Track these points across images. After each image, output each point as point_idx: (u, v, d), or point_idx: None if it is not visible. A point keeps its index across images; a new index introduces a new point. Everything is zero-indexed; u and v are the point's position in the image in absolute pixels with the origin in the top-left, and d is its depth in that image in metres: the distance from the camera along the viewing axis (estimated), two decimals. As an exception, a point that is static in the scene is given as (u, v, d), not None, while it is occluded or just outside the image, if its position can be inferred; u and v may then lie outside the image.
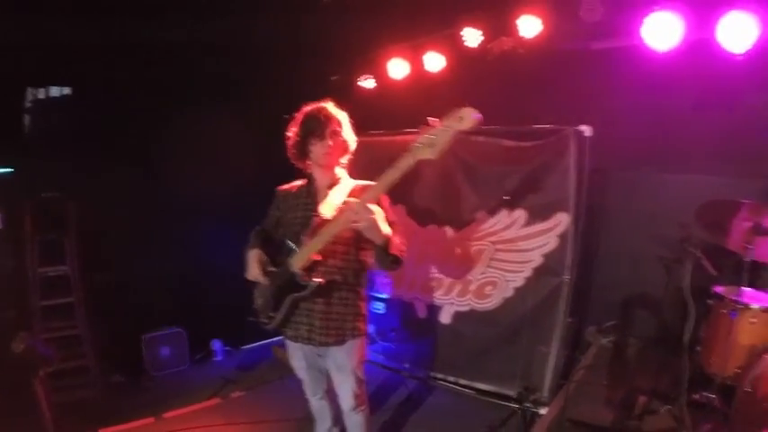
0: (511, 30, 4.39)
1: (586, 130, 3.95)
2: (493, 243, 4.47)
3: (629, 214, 4.64)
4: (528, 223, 4.26)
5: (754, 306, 3.29)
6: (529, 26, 4.29)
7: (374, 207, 2.29)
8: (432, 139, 2.08)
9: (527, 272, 4.26)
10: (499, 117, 4.22)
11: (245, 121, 5.09)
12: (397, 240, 2.42)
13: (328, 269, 2.53)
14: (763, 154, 4.02)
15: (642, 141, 4.47)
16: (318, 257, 2.48)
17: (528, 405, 3.97)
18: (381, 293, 5.26)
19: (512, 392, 4.15)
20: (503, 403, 4.15)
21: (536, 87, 4.68)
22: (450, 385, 4.54)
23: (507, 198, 4.34)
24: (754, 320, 3.24)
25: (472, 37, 4.62)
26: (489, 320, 4.44)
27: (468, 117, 2.03)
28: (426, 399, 4.40)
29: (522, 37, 4.35)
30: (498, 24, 4.49)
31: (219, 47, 4.56)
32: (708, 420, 3.33)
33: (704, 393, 3.42)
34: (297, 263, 2.47)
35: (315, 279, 2.46)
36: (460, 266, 4.62)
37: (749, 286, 3.47)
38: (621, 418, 3.61)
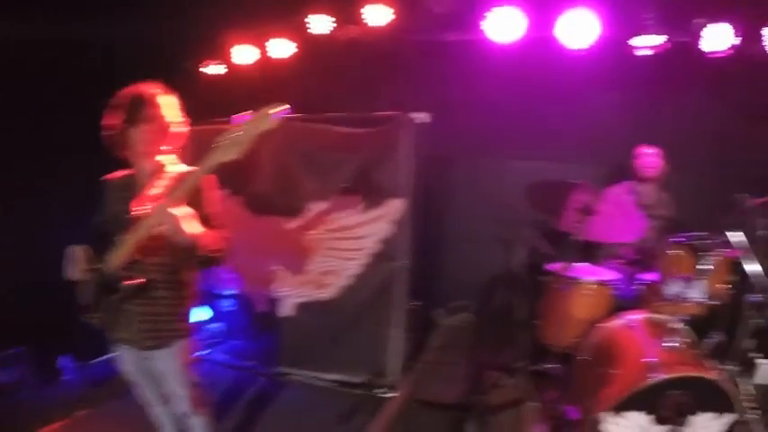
0: (358, 18, 4.37)
1: (419, 117, 3.98)
2: (330, 231, 4.41)
3: (475, 199, 4.86)
4: (364, 210, 4.24)
5: (586, 280, 3.53)
6: (378, 15, 4.30)
7: (179, 209, 2.11)
8: (235, 138, 1.96)
9: (365, 258, 4.25)
10: (343, 104, 4.26)
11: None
12: (209, 239, 2.25)
13: (147, 267, 2.31)
14: (599, 142, 4.45)
15: (487, 130, 4.70)
16: (138, 255, 2.25)
17: (377, 390, 3.99)
18: (228, 290, 5.01)
19: (361, 379, 4.15)
20: (354, 392, 4.12)
21: (382, 76, 4.72)
22: (301, 378, 4.42)
23: (345, 186, 4.30)
24: (587, 292, 3.48)
25: (319, 24, 4.55)
26: (331, 309, 4.39)
27: (270, 117, 1.93)
28: (277, 395, 4.23)
29: (370, 25, 4.35)
30: (347, 12, 4.44)
31: (74, 42, 4.00)
32: (551, 389, 3.56)
33: (546, 365, 3.64)
34: (113, 261, 2.23)
35: (131, 280, 2.24)
36: (299, 257, 4.52)
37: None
38: (468, 394, 3.76)
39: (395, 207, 4.08)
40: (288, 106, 1.97)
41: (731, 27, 3.89)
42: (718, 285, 2.96)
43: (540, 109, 4.60)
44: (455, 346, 4.56)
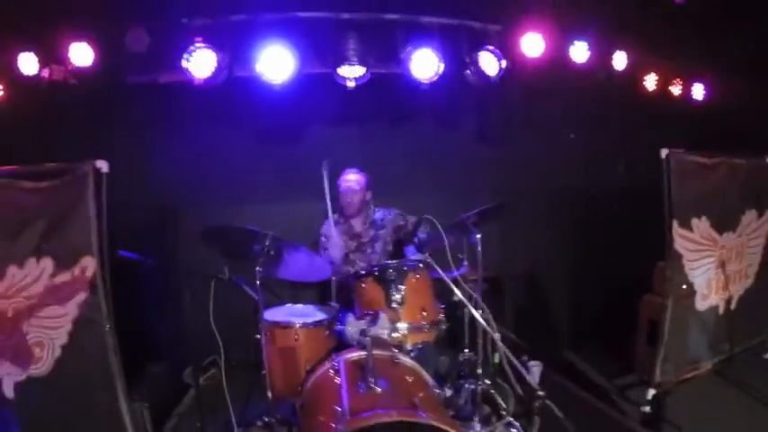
0: (63, 58, 4.22)
1: (104, 165, 3.76)
2: (27, 299, 4.02)
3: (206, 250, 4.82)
4: (55, 273, 3.91)
5: (298, 323, 3.67)
6: (80, 55, 4.17)
7: None
8: None
9: (68, 326, 3.92)
10: (41, 153, 3.98)
11: None
12: None
13: None
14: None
15: (210, 175, 4.69)
16: None
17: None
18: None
19: None
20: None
21: (81, 121, 4.48)
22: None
23: (36, 246, 3.91)
24: (297, 337, 3.62)
25: (28, 64, 4.31)
26: (49, 386, 4.00)
27: None
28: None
29: (75, 65, 4.20)
30: (53, 51, 4.28)
31: None
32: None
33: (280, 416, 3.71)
34: None
35: None
36: (4, 329, 4.08)
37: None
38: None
39: (88, 266, 3.80)
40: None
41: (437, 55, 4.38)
42: (424, 310, 3.23)
43: (257, 148, 4.73)
44: (202, 407, 4.46)
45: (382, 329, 3.03)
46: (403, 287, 3.08)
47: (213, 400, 4.50)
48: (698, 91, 6.18)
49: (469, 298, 3.14)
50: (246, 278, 3.63)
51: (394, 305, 3.06)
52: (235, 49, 4.19)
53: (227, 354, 4.72)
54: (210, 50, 4.06)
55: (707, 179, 4.85)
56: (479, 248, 3.48)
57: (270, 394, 3.57)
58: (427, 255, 3.17)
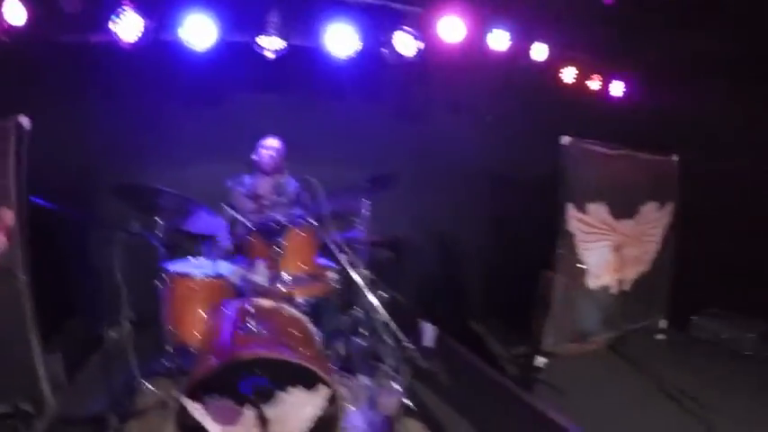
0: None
1: (26, 122, 3.86)
2: None
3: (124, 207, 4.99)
4: None
5: (199, 275, 3.89)
6: (13, 12, 4.12)
7: None
8: None
9: None
10: None
11: None
12: None
13: None
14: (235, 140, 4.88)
15: (134, 135, 4.85)
16: None
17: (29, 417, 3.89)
18: None
19: (7, 409, 3.97)
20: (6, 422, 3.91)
21: (12, 79, 4.56)
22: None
23: None
24: (203, 287, 3.85)
25: None
26: None
27: None
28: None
29: (8, 24, 4.15)
30: None
31: None
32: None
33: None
34: None
35: None
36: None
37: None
38: (116, 405, 3.88)
39: (6, 217, 3.92)
40: None
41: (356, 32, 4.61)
42: (304, 264, 3.50)
43: (177, 113, 4.90)
44: (113, 359, 4.64)
45: (260, 276, 3.30)
46: (283, 240, 3.34)
47: (124, 352, 4.71)
48: (616, 88, 6.58)
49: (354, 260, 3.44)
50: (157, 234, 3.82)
51: (273, 255, 3.32)
52: (161, 14, 4.31)
53: (139, 308, 4.92)
54: (137, 14, 4.20)
55: (607, 168, 5.23)
56: (367, 213, 3.76)
57: (171, 344, 3.82)
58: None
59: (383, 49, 4.68)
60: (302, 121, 5.11)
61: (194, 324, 3.77)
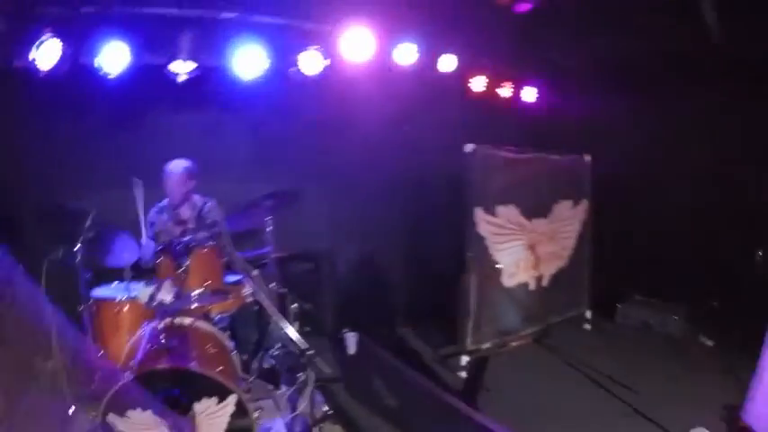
0: None
1: None
2: None
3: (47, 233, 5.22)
4: None
5: (118, 298, 4.19)
6: None
7: None
8: None
9: None
10: None
11: None
12: None
13: None
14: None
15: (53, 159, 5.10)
16: None
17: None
18: None
19: None
20: None
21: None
22: None
23: None
24: (117, 311, 4.18)
25: None
26: None
27: None
28: None
29: None
30: None
31: None
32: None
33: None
34: None
35: None
36: None
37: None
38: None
39: None
40: None
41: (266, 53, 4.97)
42: (209, 280, 3.86)
43: (92, 137, 5.16)
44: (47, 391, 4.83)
45: (166, 295, 3.65)
46: (188, 260, 3.71)
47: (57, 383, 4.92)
48: (528, 94, 7.12)
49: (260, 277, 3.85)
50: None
51: (180, 274, 3.68)
52: (79, 40, 4.55)
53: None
54: (58, 40, 4.41)
55: (514, 172, 5.68)
56: (271, 229, 4.15)
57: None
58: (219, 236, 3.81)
59: (292, 68, 5.05)
60: (215, 140, 5.41)
61: (119, 346, 4.01)
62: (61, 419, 3.88)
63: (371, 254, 6.61)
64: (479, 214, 5.31)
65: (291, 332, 3.45)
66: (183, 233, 4.52)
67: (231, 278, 4.30)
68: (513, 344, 5.99)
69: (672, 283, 6.59)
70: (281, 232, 4.78)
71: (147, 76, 4.81)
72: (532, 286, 6.08)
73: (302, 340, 3.44)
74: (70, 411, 3.83)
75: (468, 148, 5.17)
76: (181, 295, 3.65)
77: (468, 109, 6.54)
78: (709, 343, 6.02)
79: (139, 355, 3.38)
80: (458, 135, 5.56)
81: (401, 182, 6.45)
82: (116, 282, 4.42)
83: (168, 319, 3.68)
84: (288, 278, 4.99)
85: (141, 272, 4.42)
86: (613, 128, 6.78)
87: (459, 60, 6.07)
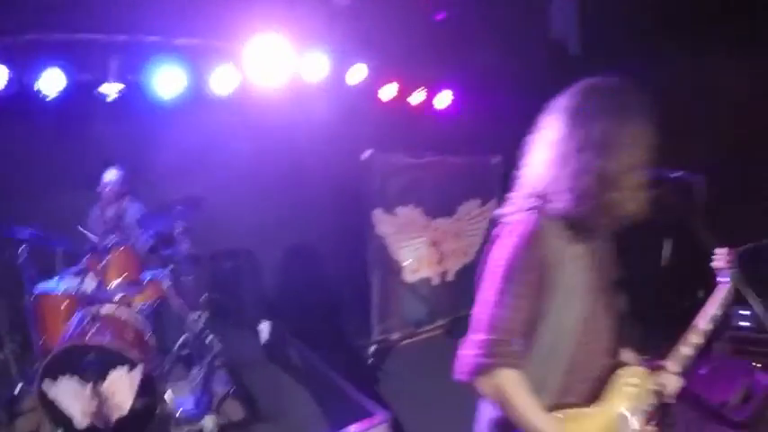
0: None
1: None
2: None
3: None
4: None
5: (54, 291, 5.20)
6: None
7: None
8: None
9: None
10: None
11: None
12: None
13: None
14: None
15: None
16: None
17: None
18: None
19: None
20: None
21: None
22: None
23: None
24: (56, 303, 5.24)
25: None
26: None
27: None
28: None
29: None
30: None
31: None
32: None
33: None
34: None
35: None
36: None
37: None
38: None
39: None
40: None
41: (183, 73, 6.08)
42: (125, 274, 5.04)
43: (29, 147, 6.25)
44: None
45: (89, 286, 4.87)
46: (108, 256, 4.94)
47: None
48: (442, 99, 7.91)
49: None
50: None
51: (101, 268, 4.90)
52: (22, 65, 5.54)
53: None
54: (4, 66, 5.29)
55: (414, 175, 6.78)
56: (180, 229, 5.30)
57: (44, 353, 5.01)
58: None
59: (206, 87, 6.18)
60: (144, 149, 6.48)
61: (57, 333, 4.93)
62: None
63: (291, 253, 7.59)
64: (378, 215, 6.49)
65: (199, 322, 4.67)
66: (108, 231, 5.74)
67: (149, 273, 5.43)
68: (423, 335, 7.14)
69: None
70: (206, 233, 6.00)
71: (83, 95, 5.85)
72: (436, 281, 7.14)
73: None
74: (16, 391, 4.90)
75: (366, 154, 6.30)
76: (101, 287, 4.87)
77: (380, 117, 7.38)
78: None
79: (67, 335, 4.52)
80: (371, 145, 6.57)
81: (316, 189, 7.40)
82: (56, 277, 5.36)
83: (95, 308, 4.83)
84: (211, 274, 6.18)
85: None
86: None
87: (370, 69, 6.80)
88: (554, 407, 2.02)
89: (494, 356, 1.97)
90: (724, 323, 5.54)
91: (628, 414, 2.13)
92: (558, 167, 1.99)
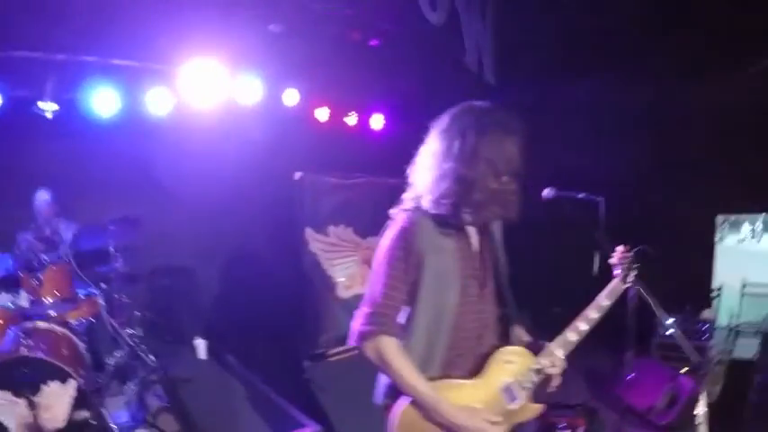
0: None
1: None
2: None
3: None
4: None
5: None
6: None
7: None
8: None
9: None
10: None
11: None
12: None
13: None
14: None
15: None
16: None
17: None
18: None
19: None
20: None
21: None
22: None
23: None
24: None
25: None
26: None
27: None
28: None
29: None
30: None
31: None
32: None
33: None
34: None
35: None
36: None
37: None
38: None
39: None
40: None
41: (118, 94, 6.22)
42: (57, 291, 5.18)
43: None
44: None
45: (24, 302, 4.99)
46: (42, 274, 5.07)
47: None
48: (376, 121, 8.27)
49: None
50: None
51: (34, 284, 5.02)
52: None
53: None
54: None
55: (344, 195, 7.10)
56: (113, 248, 5.46)
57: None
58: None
59: (141, 108, 6.35)
60: (82, 167, 6.58)
61: None
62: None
63: (228, 270, 7.81)
64: (309, 234, 6.75)
65: (133, 338, 4.82)
66: (43, 250, 5.83)
67: (83, 290, 5.58)
68: (357, 350, 7.34)
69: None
70: (144, 251, 6.15)
71: (21, 111, 5.96)
72: (369, 297, 7.49)
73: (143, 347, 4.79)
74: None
75: (297, 176, 6.55)
76: (35, 303, 4.98)
77: (314, 139, 7.67)
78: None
79: (1, 350, 4.64)
80: (304, 166, 6.85)
81: (251, 208, 7.56)
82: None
83: (29, 323, 4.93)
84: (149, 291, 6.30)
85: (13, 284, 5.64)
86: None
87: (302, 93, 7.11)
88: (439, 378, 2.46)
89: (374, 325, 2.44)
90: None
91: (512, 388, 2.54)
92: (429, 174, 2.49)
